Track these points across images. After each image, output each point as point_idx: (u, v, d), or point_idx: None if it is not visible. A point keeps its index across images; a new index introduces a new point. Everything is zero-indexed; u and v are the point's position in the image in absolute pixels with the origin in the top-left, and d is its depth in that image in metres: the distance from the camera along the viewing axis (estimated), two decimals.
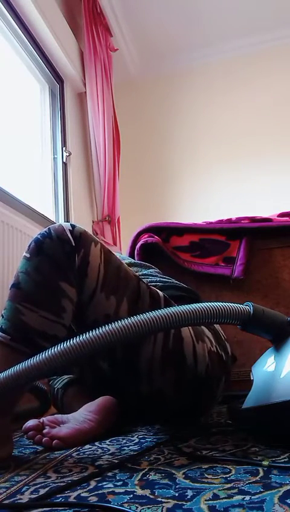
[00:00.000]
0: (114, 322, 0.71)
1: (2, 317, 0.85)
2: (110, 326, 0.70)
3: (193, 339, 0.98)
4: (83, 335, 0.69)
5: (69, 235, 0.88)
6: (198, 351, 0.99)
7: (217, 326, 1.11)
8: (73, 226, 0.90)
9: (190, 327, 0.98)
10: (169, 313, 0.73)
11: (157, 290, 1.02)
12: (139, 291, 0.97)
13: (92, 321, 0.92)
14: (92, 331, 0.70)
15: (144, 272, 1.32)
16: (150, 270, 1.36)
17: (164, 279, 1.28)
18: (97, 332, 0.70)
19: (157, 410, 1.07)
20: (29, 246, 0.88)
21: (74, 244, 0.88)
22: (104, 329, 0.70)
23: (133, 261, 1.44)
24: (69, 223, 0.91)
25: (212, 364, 1.01)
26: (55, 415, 0.98)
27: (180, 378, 0.98)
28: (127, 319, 0.72)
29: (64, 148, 2.72)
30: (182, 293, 1.20)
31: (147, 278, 1.24)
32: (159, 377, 0.98)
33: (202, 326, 1.03)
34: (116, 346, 0.74)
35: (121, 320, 0.72)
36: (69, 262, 0.87)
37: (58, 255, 0.86)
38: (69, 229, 0.89)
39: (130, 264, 1.36)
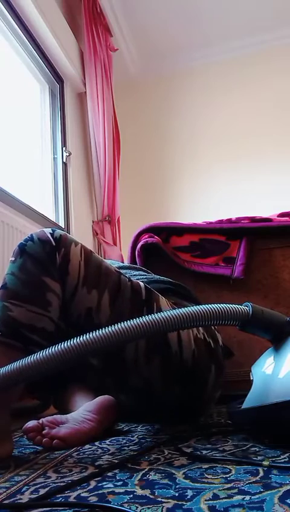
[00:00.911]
0: (112, 326, 0.72)
1: None
2: (107, 330, 0.71)
3: None
4: (80, 337, 0.71)
5: (50, 237, 0.93)
6: (183, 338, 1.01)
7: None
8: (53, 230, 0.95)
9: None
10: (167, 316, 0.73)
11: (140, 282, 1.04)
12: (119, 283, 0.99)
13: (77, 316, 0.95)
14: (89, 333, 0.71)
15: (133, 273, 1.34)
16: (140, 271, 1.39)
17: (151, 276, 1.31)
18: (94, 334, 0.70)
19: (151, 403, 1.08)
20: (14, 250, 0.93)
21: (54, 244, 0.92)
22: (102, 332, 0.71)
23: (122, 264, 1.47)
24: (50, 228, 0.96)
25: (199, 351, 1.03)
26: (55, 416, 0.98)
27: (166, 366, 1.00)
28: (125, 322, 0.72)
29: (64, 148, 2.72)
30: (167, 286, 1.22)
31: (135, 277, 1.26)
32: (145, 366, 0.99)
33: None
34: (114, 348, 0.74)
35: (119, 324, 0.72)
36: (51, 260, 0.92)
37: (40, 254, 0.91)
38: (50, 232, 0.94)
39: (119, 267, 1.38)
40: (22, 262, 0.90)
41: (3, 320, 0.86)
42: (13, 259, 0.92)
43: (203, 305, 0.76)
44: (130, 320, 0.72)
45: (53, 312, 0.90)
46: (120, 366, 1.00)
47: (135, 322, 0.72)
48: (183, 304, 1.15)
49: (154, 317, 0.72)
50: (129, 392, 1.07)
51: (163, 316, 0.73)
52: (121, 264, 1.49)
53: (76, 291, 0.94)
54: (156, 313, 0.74)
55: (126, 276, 1.03)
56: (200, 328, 1.05)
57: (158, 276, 1.32)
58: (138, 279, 1.21)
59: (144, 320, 0.72)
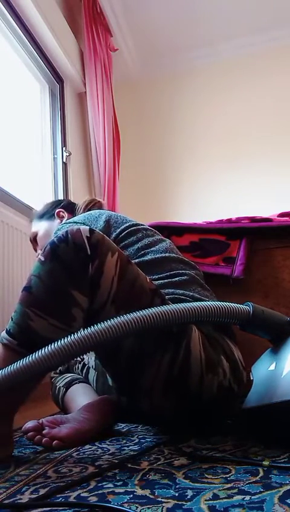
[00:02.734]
0: (112, 319, 0.72)
1: (12, 319, 0.84)
2: (109, 322, 0.71)
3: (202, 370, 0.91)
4: (82, 331, 0.71)
5: (86, 241, 0.85)
6: (206, 383, 0.91)
7: (238, 354, 1.03)
8: (91, 232, 0.87)
9: (203, 357, 0.91)
10: (169, 310, 0.73)
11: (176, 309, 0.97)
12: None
13: None
14: (92, 326, 0.71)
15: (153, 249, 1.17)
16: (165, 243, 1.20)
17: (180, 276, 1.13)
18: (95, 328, 0.71)
19: (157, 421, 1.06)
20: (45, 248, 0.86)
21: (89, 253, 0.85)
22: (104, 324, 0.71)
23: (144, 226, 1.26)
24: (88, 228, 0.88)
25: (220, 397, 0.95)
26: (55, 416, 0.98)
27: (181, 403, 0.94)
28: (126, 315, 0.73)
29: (64, 148, 2.72)
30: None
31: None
32: (160, 397, 0.93)
33: (221, 357, 0.95)
34: (116, 341, 0.73)
35: (119, 317, 0.73)
36: (83, 271, 0.84)
37: (72, 262, 0.84)
38: (87, 236, 0.86)
39: (139, 229, 1.21)
40: (52, 267, 0.83)
41: (22, 328, 0.82)
42: (42, 259, 0.85)
43: (206, 303, 0.76)
44: (130, 314, 0.73)
45: (75, 327, 0.84)
46: (135, 390, 0.95)
47: (136, 315, 0.72)
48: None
49: (156, 311, 0.73)
50: (139, 411, 1.02)
51: (162, 310, 0.73)
52: (144, 226, 1.28)
53: (104, 308, 0.87)
54: (158, 307, 0.74)
55: (160, 297, 0.92)
56: (228, 372, 0.95)
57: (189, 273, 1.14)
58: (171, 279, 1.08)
59: (145, 313, 0.73)
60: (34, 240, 1.47)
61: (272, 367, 0.81)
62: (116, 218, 1.21)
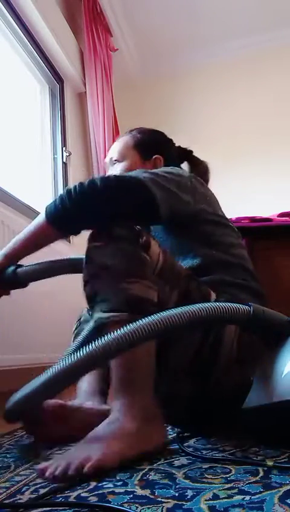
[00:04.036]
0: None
1: (103, 302, 0.84)
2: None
3: (228, 362, 0.94)
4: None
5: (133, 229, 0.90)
6: (230, 376, 0.95)
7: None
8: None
9: (234, 349, 0.93)
10: (167, 315, 0.72)
11: (212, 293, 0.97)
12: (189, 288, 0.95)
13: None
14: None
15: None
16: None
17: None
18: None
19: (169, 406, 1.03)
20: (94, 234, 0.89)
21: (137, 229, 0.89)
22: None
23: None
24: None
25: (237, 397, 0.94)
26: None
27: (200, 391, 0.96)
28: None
29: (64, 148, 2.72)
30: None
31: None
32: (182, 379, 0.95)
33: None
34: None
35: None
36: (138, 238, 0.88)
37: (129, 235, 0.88)
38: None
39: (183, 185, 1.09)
40: (115, 245, 0.86)
41: (129, 301, 0.83)
42: (98, 244, 0.87)
43: (205, 304, 0.76)
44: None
45: (155, 285, 0.88)
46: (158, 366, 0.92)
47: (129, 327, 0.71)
48: None
49: (150, 319, 0.72)
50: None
51: (163, 316, 0.73)
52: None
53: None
54: (157, 314, 0.73)
55: (197, 280, 0.97)
56: None
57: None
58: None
59: (143, 322, 0.72)
60: (111, 161, 1.30)
61: (273, 367, 0.81)
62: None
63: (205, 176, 1.30)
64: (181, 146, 1.39)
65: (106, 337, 0.71)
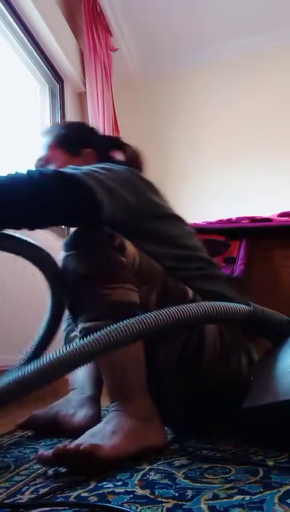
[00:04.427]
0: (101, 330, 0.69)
1: (86, 311, 0.82)
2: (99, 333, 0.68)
3: (214, 358, 0.93)
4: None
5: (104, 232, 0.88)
6: (218, 372, 0.94)
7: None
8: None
9: (217, 345, 0.93)
10: (166, 313, 0.72)
11: (188, 290, 0.96)
12: (166, 284, 0.93)
13: None
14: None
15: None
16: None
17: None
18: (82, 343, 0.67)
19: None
20: (68, 243, 0.86)
21: (108, 232, 0.87)
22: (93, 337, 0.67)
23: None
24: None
25: (229, 392, 0.95)
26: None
27: (191, 389, 0.95)
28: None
29: None
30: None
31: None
32: (171, 380, 0.94)
33: (241, 353, 0.96)
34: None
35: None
36: (112, 242, 0.86)
37: (102, 240, 0.86)
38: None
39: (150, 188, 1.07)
40: (89, 252, 0.84)
41: (112, 308, 0.81)
42: (73, 252, 0.84)
43: (205, 303, 0.76)
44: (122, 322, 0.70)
45: (135, 287, 0.86)
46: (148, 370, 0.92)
47: (128, 322, 0.70)
48: None
49: (152, 315, 0.71)
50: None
51: (162, 313, 0.72)
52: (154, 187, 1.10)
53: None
54: (154, 312, 0.72)
55: (174, 276, 0.95)
56: (244, 371, 0.96)
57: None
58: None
59: (142, 318, 0.71)
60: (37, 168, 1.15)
61: (273, 367, 0.81)
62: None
63: (137, 160, 1.21)
64: (106, 134, 1.30)
65: (106, 331, 0.68)
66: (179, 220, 1.11)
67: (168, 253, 0.99)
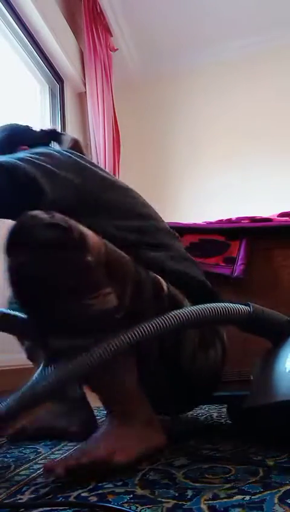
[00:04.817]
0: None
1: (61, 327, 0.74)
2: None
3: (194, 347, 0.90)
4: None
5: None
6: (197, 361, 0.91)
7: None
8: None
9: (196, 335, 0.90)
10: (170, 316, 0.72)
11: (161, 279, 0.87)
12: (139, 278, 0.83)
13: None
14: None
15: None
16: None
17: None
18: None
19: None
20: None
21: (63, 225, 0.73)
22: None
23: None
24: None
25: (209, 379, 0.95)
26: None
27: (173, 379, 0.93)
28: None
29: None
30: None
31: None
32: (154, 366, 0.90)
33: (216, 340, 0.95)
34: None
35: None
36: (70, 238, 0.72)
37: (58, 238, 0.71)
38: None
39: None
40: (45, 257, 0.69)
41: (91, 321, 0.72)
42: (24, 259, 0.70)
43: (205, 304, 0.76)
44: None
45: (109, 287, 0.76)
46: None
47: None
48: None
49: (151, 323, 0.71)
50: None
51: (162, 318, 0.72)
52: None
53: None
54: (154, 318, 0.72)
55: (142, 267, 0.84)
56: (219, 355, 0.94)
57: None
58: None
59: (142, 326, 0.70)
60: None
61: (272, 367, 0.81)
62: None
63: (75, 147, 1.15)
64: (43, 129, 1.24)
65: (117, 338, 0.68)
66: (130, 190, 1.06)
67: (128, 226, 0.93)
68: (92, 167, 0.98)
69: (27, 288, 0.71)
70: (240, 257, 1.61)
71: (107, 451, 0.69)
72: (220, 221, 1.72)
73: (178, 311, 0.73)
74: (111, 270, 0.76)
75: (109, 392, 0.79)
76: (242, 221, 1.69)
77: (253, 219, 1.68)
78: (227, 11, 3.23)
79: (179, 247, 1.05)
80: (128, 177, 3.32)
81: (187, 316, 0.73)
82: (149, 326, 0.71)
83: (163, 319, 0.71)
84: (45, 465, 0.67)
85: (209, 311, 0.75)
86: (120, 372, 0.77)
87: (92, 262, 0.72)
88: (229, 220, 1.72)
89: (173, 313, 0.73)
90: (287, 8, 3.20)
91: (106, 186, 0.97)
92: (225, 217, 1.77)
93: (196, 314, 0.74)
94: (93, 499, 0.57)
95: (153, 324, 0.71)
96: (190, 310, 0.74)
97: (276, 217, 1.73)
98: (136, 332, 0.70)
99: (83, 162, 0.96)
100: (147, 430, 0.78)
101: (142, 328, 0.70)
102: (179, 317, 0.73)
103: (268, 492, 0.54)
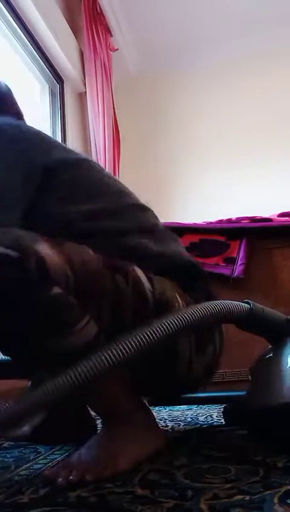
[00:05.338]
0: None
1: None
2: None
3: (191, 347, 0.86)
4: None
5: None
6: (195, 362, 0.86)
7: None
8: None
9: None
10: (172, 318, 0.70)
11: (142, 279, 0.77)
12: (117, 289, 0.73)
13: None
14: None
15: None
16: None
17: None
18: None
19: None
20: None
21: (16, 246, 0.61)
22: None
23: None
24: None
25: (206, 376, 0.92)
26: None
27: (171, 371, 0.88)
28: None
29: None
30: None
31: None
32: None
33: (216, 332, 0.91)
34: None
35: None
36: (26, 263, 0.61)
37: (11, 264, 0.60)
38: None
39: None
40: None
41: (75, 352, 0.64)
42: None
43: (205, 303, 0.76)
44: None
45: (85, 313, 0.68)
46: None
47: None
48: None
49: (152, 328, 0.65)
50: None
51: (162, 322, 0.69)
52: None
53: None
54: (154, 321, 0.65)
55: (121, 271, 0.73)
56: (217, 348, 0.90)
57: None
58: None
59: (143, 329, 0.66)
60: None
61: (272, 367, 0.81)
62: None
63: (8, 100, 1.03)
64: None
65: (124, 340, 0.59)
66: (92, 163, 0.93)
67: (97, 209, 0.83)
68: (38, 140, 0.85)
69: None
70: (240, 257, 1.61)
71: (111, 468, 0.67)
72: (220, 221, 1.72)
73: (178, 313, 0.70)
74: (84, 291, 0.65)
75: (101, 402, 0.76)
76: (242, 221, 1.69)
77: (253, 219, 1.68)
78: (226, 12, 3.24)
79: (150, 218, 0.96)
80: (128, 177, 3.32)
81: (188, 318, 0.72)
82: (153, 333, 0.64)
83: (161, 327, 0.64)
84: (45, 474, 0.66)
85: (209, 310, 0.74)
86: (111, 380, 0.73)
87: (59, 295, 0.61)
88: (229, 220, 1.72)
89: (171, 318, 0.67)
90: (287, 8, 3.21)
91: (62, 160, 0.85)
92: (225, 217, 1.77)
93: (194, 311, 0.73)
94: (93, 499, 0.57)
95: (157, 330, 0.64)
96: (190, 310, 0.73)
97: (276, 217, 1.73)
98: (140, 340, 0.62)
99: (26, 145, 0.84)
100: (147, 433, 0.77)
101: (147, 334, 0.62)
102: (180, 320, 0.70)
103: (268, 492, 0.54)
